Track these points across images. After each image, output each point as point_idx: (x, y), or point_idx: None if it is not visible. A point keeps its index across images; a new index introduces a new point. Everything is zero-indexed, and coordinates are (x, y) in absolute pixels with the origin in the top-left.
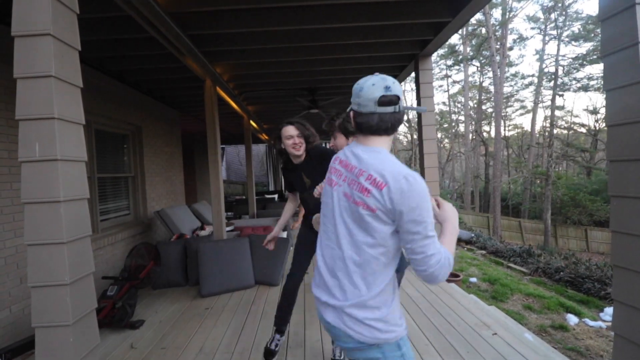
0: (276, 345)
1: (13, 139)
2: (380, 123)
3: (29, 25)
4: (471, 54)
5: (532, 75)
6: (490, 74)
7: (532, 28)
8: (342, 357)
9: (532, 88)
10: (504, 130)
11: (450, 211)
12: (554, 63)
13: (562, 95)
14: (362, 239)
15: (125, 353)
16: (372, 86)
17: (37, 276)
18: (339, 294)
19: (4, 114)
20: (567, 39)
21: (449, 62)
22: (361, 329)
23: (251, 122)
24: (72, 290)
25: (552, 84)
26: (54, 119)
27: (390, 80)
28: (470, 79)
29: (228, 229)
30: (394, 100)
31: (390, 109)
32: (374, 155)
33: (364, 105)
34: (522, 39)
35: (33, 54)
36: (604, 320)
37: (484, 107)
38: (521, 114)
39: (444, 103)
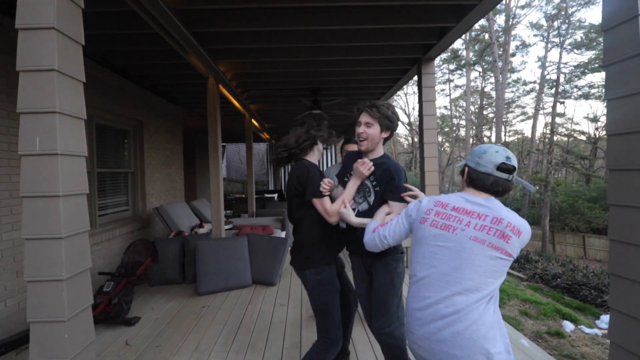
0: None
1: (13, 131)
2: (494, 185)
3: (33, 18)
4: (474, 59)
5: (534, 82)
6: (492, 80)
7: (535, 35)
8: None
9: (533, 95)
10: (505, 135)
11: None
12: (555, 70)
13: (563, 103)
14: (484, 279)
15: (120, 350)
16: (496, 153)
17: (33, 271)
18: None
19: (5, 106)
20: (569, 47)
21: (452, 67)
22: None
23: (253, 120)
24: (69, 286)
25: (553, 91)
26: (56, 113)
27: (510, 152)
28: (472, 84)
29: (227, 227)
30: (511, 169)
31: (505, 175)
32: (499, 206)
33: (483, 165)
34: (524, 45)
35: (36, 47)
36: (599, 328)
37: (485, 112)
38: (522, 120)
39: (445, 107)
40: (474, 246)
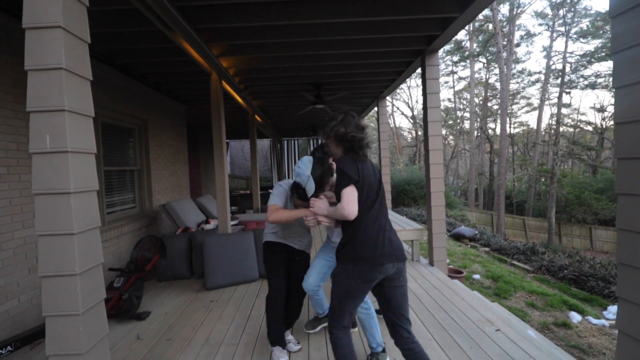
0: None
1: (22, 131)
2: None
3: (40, 17)
4: (478, 50)
5: (539, 72)
6: (497, 71)
7: (540, 24)
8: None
9: (538, 85)
10: (510, 127)
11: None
12: (561, 60)
13: (569, 93)
14: None
15: (132, 344)
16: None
17: (47, 266)
18: None
19: (13, 106)
20: (575, 36)
21: (455, 58)
22: None
23: (256, 116)
24: (82, 280)
25: (559, 81)
26: (65, 111)
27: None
28: (477, 75)
29: (233, 223)
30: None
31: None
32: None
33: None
34: (529, 35)
35: (44, 46)
36: (607, 319)
37: (489, 104)
38: (527, 112)
39: (449, 99)
40: None
